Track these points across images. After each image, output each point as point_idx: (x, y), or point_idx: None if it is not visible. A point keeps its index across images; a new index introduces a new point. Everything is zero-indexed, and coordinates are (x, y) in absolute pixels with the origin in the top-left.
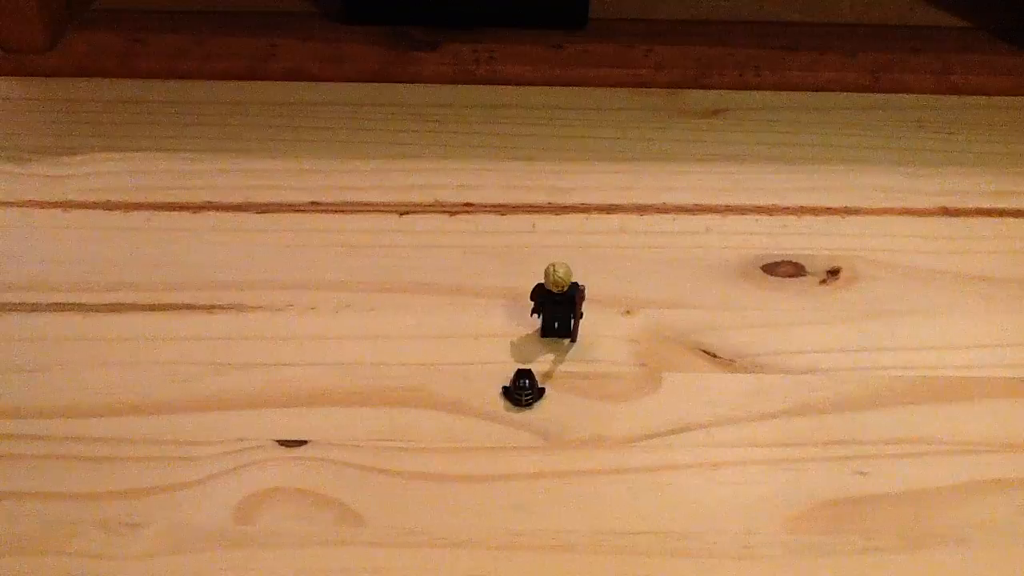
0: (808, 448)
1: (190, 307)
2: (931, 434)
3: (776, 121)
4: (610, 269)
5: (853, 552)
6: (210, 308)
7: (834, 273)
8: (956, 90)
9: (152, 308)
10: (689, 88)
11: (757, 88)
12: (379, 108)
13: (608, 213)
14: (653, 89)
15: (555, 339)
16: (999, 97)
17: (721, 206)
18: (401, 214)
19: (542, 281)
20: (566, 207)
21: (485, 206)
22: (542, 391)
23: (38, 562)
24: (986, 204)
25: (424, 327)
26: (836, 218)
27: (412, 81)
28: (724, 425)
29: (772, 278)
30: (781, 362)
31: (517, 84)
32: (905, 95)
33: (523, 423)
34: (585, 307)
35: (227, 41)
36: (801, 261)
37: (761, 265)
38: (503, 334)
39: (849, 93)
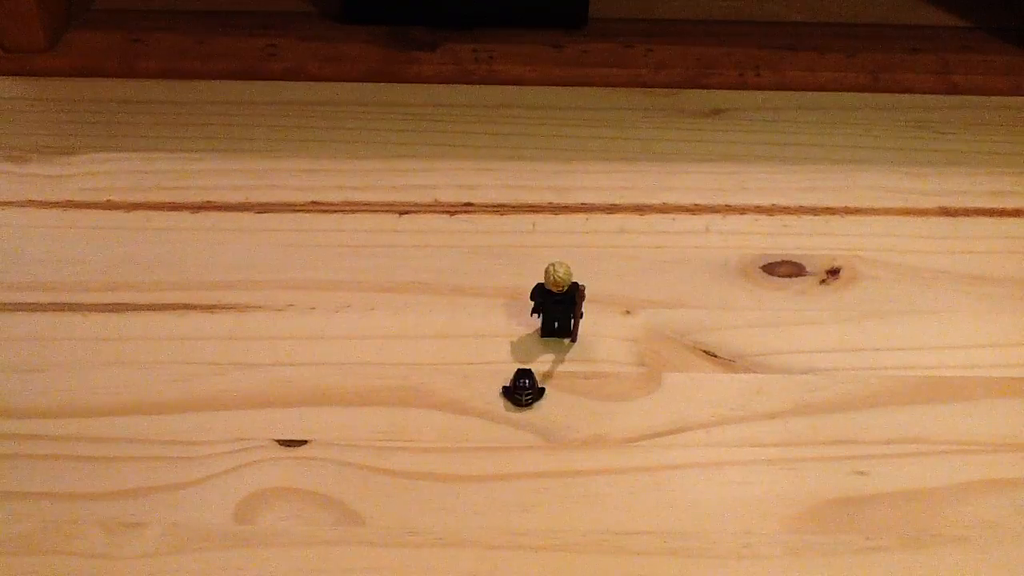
0: (808, 448)
1: (190, 307)
2: (931, 434)
3: (776, 121)
4: (610, 269)
5: (853, 552)
6: (210, 308)
7: (834, 273)
8: (956, 90)
9: (152, 308)
10: (689, 88)
11: (757, 88)
12: (379, 108)
13: (608, 213)
14: (653, 89)
15: (555, 339)
16: (999, 97)
17: (721, 206)
18: (401, 214)
19: (542, 281)
20: (566, 207)
21: (485, 206)
22: (542, 391)
23: (38, 562)
24: (986, 204)
25: (424, 327)
26: (836, 218)
27: (412, 81)
28: (724, 425)
29: (772, 278)
30: (781, 362)
31: (517, 84)
32: (905, 95)
33: (523, 423)
34: (585, 307)
35: (227, 41)
36: (801, 261)
37: (761, 265)
38: (503, 334)
39: (849, 93)
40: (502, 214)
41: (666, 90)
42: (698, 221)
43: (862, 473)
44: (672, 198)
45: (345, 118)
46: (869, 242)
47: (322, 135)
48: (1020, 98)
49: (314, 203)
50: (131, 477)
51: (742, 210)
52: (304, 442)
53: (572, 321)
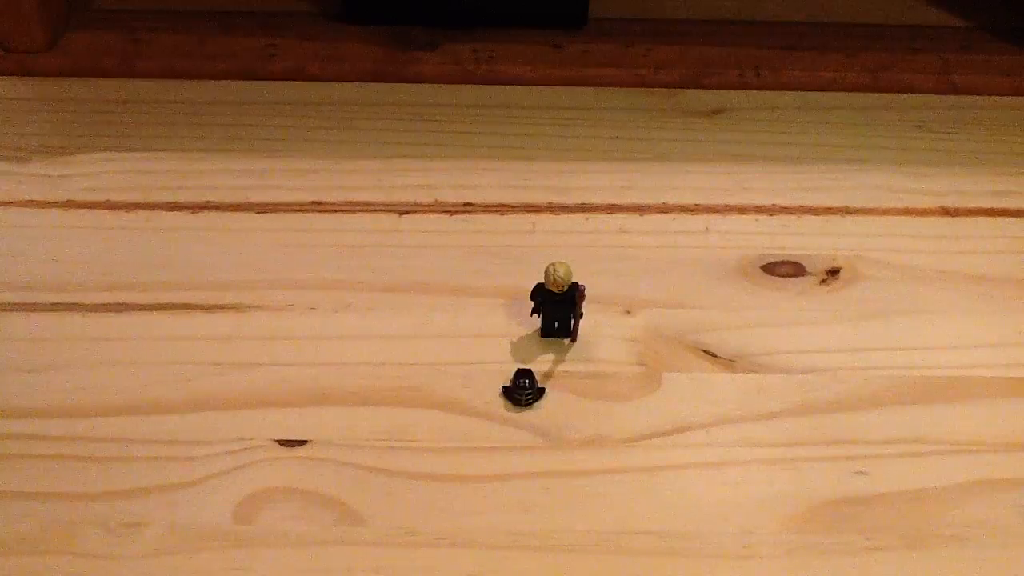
0: (808, 448)
1: (190, 307)
2: (931, 434)
3: (776, 121)
4: (610, 269)
5: (853, 552)
6: (210, 308)
7: (834, 273)
8: (956, 90)
9: (152, 308)
10: (689, 88)
11: (757, 88)
12: (379, 108)
13: (608, 213)
14: (653, 89)
15: (555, 339)
16: (999, 97)
17: (721, 206)
18: (401, 214)
19: (542, 281)
20: (566, 207)
21: (485, 206)
22: (542, 391)
23: (38, 562)
24: (986, 204)
25: (424, 327)
26: (836, 218)
27: (412, 81)
28: (724, 425)
29: (772, 278)
30: (781, 362)
31: (517, 84)
32: (905, 95)
33: (523, 423)
34: (585, 307)
35: (227, 41)
36: (801, 261)
37: (761, 265)
38: (503, 334)
39: (849, 93)
40: (502, 214)
41: (666, 90)
42: (698, 221)
43: (862, 473)
44: (672, 198)
45: (345, 118)
46: (869, 242)
47: (322, 135)
48: (1020, 98)
49: (314, 203)
50: (131, 477)
51: (742, 210)
52: (304, 442)
53: (572, 321)
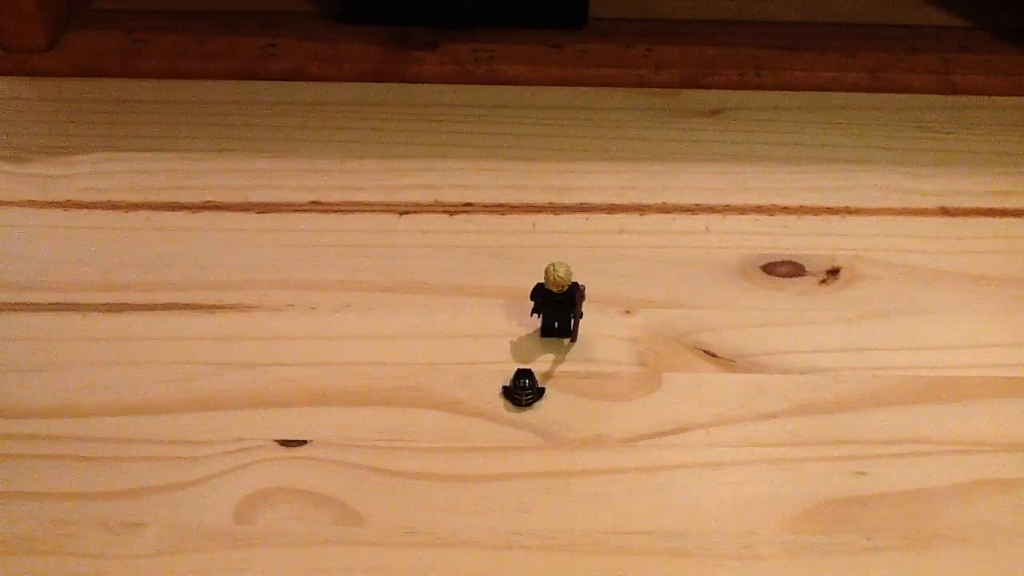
0: (808, 448)
1: (190, 307)
2: (931, 434)
3: (776, 121)
4: (610, 269)
5: (853, 552)
6: (210, 308)
7: (834, 273)
8: (956, 90)
9: (152, 308)
10: (689, 88)
11: (757, 88)
12: (379, 108)
13: (608, 213)
14: (653, 89)
15: (555, 339)
16: (999, 97)
17: (721, 206)
18: (401, 214)
19: (542, 281)
20: (566, 207)
21: (485, 206)
22: (542, 391)
23: (38, 562)
24: (986, 204)
25: (424, 327)
26: (836, 218)
27: (412, 81)
28: (724, 425)
29: (772, 278)
30: (781, 362)
31: (517, 84)
32: (905, 95)
33: (523, 423)
34: (585, 307)
35: (227, 41)
36: (801, 261)
37: (761, 265)
38: (503, 334)
39: (849, 93)
40: (502, 214)
41: (666, 90)
42: (698, 221)
43: (862, 473)
44: (672, 198)
45: (345, 118)
46: (869, 242)
47: (322, 135)
48: (1020, 98)
49: (314, 203)
50: (131, 477)
51: (742, 210)
52: (304, 442)
53: (572, 321)
